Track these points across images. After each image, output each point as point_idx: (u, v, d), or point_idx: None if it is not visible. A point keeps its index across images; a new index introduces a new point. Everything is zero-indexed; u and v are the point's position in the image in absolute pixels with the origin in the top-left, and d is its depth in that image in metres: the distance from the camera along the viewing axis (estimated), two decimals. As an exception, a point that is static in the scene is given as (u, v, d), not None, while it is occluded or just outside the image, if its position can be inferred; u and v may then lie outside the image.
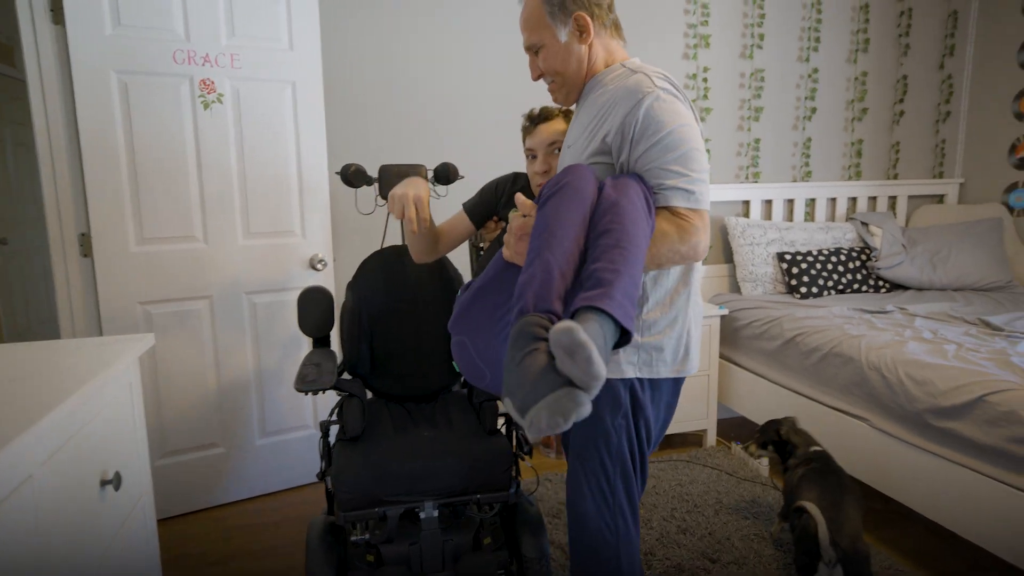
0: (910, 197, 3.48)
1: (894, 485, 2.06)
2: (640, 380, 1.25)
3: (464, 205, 1.62)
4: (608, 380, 1.22)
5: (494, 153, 2.81)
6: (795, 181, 3.31)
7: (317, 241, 2.53)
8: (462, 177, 2.10)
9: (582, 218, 1.07)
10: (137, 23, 2.11)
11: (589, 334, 0.89)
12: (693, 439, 3.03)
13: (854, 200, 3.38)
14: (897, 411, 2.03)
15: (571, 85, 1.32)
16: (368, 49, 2.60)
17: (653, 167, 1.16)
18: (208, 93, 2.24)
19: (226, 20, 2.24)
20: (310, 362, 1.73)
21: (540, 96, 2.80)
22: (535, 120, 1.52)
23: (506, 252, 1.18)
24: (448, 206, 2.72)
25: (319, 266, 2.51)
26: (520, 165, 2.86)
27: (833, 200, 3.34)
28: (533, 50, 1.32)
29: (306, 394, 1.57)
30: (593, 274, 1.00)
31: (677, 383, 1.33)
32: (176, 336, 2.32)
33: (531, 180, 1.55)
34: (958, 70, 3.45)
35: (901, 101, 3.39)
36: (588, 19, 1.26)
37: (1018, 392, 1.71)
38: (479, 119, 2.78)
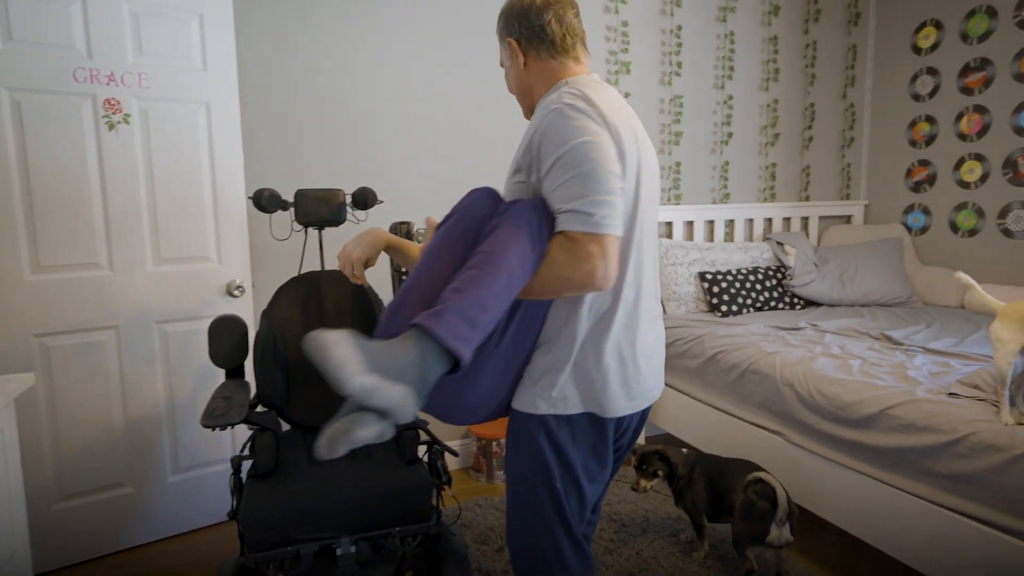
0: (821, 217, 3.68)
1: (809, 497, 2.13)
2: (555, 417, 1.19)
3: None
4: (526, 414, 1.21)
5: (420, 175, 2.80)
6: (715, 203, 3.44)
7: (234, 267, 2.43)
8: (381, 202, 2.07)
9: (462, 241, 1.07)
10: (31, 38, 1.99)
11: (392, 350, 0.90)
12: (623, 457, 3.05)
13: (770, 221, 3.54)
14: (809, 425, 2.11)
15: (526, 105, 1.34)
16: (289, 69, 2.55)
17: (554, 187, 1.10)
18: (113, 113, 2.14)
19: (133, 38, 2.15)
20: (220, 395, 1.66)
21: (466, 119, 2.83)
22: None
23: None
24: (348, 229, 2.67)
25: (236, 292, 2.41)
26: (443, 186, 2.88)
27: (751, 221, 3.48)
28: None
29: (213, 429, 1.49)
30: (440, 296, 1.00)
31: (600, 423, 1.21)
32: (78, 369, 2.18)
33: None
34: (859, 99, 3.69)
35: (810, 127, 3.59)
36: (516, 44, 1.28)
37: (914, 404, 1.81)
38: (406, 141, 2.76)
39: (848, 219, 3.76)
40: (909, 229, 3.55)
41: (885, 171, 3.65)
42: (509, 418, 1.25)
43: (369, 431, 0.87)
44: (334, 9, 2.58)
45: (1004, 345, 1.67)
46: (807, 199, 3.66)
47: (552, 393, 1.18)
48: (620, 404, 1.20)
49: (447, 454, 2.96)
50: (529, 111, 1.34)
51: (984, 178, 3.15)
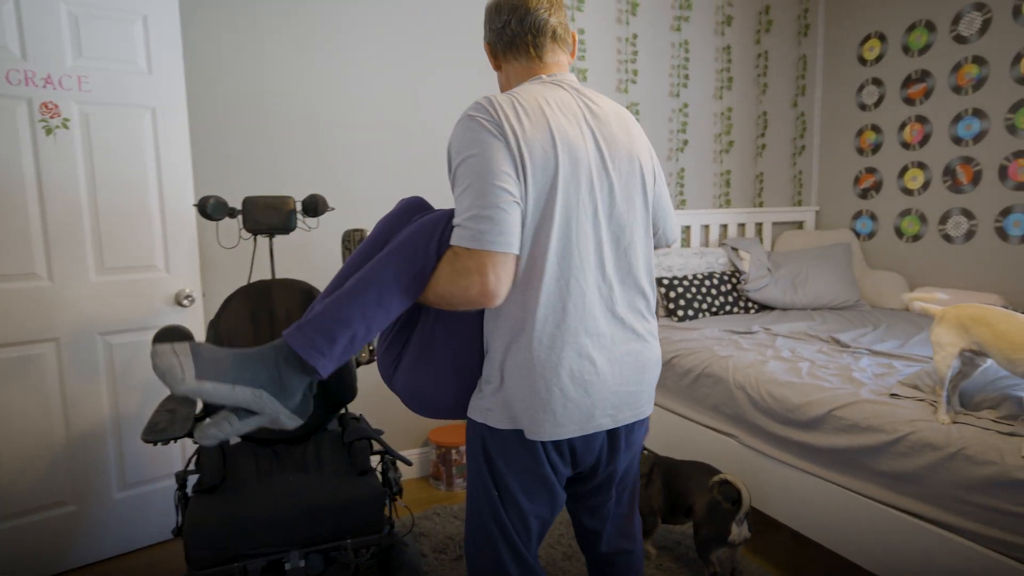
0: (774, 223, 3.77)
1: (761, 498, 2.17)
2: (488, 428, 1.18)
3: None
4: (470, 418, 1.23)
5: (378, 181, 2.77)
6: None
7: (183, 276, 2.37)
8: (332, 209, 2.05)
9: (372, 250, 1.15)
10: (-38, 40, 1.91)
11: (248, 357, 1.02)
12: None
13: (725, 226, 3.61)
14: (761, 427, 2.15)
15: None
16: (241, 72, 2.50)
17: (455, 201, 1.10)
18: (51, 118, 2.06)
19: (72, 40, 2.08)
20: (164, 408, 1.61)
21: (425, 124, 2.81)
22: None
23: None
24: (320, 238, 2.64)
25: (185, 302, 2.35)
26: (402, 192, 2.86)
27: (706, 227, 3.54)
28: None
29: (155, 444, 1.44)
30: (309, 311, 1.08)
31: (530, 444, 1.16)
32: (14, 384, 2.09)
33: None
34: (809, 108, 3.80)
35: (763, 135, 3.68)
36: (489, 48, 1.29)
37: (858, 405, 1.86)
38: (363, 146, 2.73)
39: (800, 225, 3.86)
40: (858, 234, 3.66)
41: (835, 178, 3.76)
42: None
43: (241, 425, 1.02)
44: (286, 11, 2.54)
45: (943, 348, 1.73)
46: (761, 205, 3.74)
47: (483, 403, 1.18)
48: (544, 428, 1.13)
49: (401, 464, 2.93)
50: None
51: (926, 185, 3.27)
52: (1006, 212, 2.93)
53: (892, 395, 1.87)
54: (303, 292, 1.96)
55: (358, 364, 2.04)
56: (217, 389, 0.97)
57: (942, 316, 1.77)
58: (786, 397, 2.07)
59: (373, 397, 2.87)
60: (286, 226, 1.91)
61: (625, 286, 1.19)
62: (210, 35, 2.45)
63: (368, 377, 2.85)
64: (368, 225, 2.73)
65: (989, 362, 1.74)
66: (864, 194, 3.60)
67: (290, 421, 1.04)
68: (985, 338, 1.62)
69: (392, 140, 2.78)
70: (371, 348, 2.11)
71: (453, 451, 2.81)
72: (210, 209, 1.87)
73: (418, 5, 2.76)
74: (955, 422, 1.68)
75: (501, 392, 1.15)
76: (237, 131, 2.51)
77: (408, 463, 1.71)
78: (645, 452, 2.28)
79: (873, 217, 3.56)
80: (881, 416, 1.80)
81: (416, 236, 1.08)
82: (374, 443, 1.76)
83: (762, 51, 3.60)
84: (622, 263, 1.19)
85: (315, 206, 1.95)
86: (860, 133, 3.59)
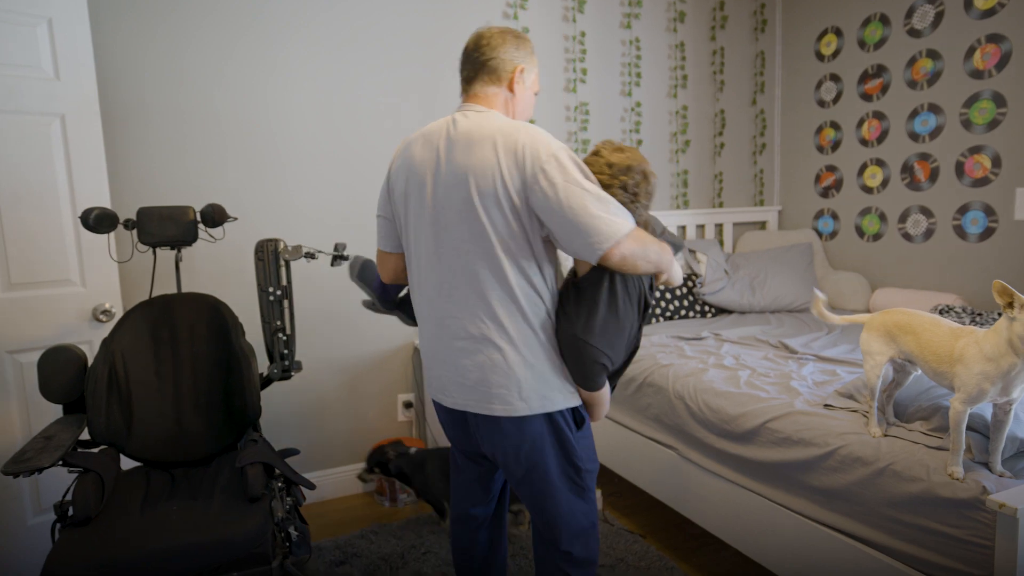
0: (735, 224, 3.68)
1: (701, 513, 2.08)
2: None
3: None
4: None
5: (303, 189, 2.67)
6: (627, 211, 3.39)
7: (100, 290, 2.26)
8: (233, 218, 1.94)
9: None
10: None
11: None
12: (534, 475, 2.97)
13: (684, 228, 3.52)
14: (699, 439, 2.05)
15: None
16: (160, 77, 2.39)
17: None
18: (-55, 126, 1.95)
19: (-35, 44, 1.97)
20: (42, 434, 1.51)
21: (351, 132, 2.68)
22: None
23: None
24: (223, 249, 2.52)
25: (103, 317, 2.24)
26: (334, 199, 2.73)
27: (664, 228, 3.45)
28: None
29: (16, 476, 1.34)
30: None
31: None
32: (-90, 408, 1.98)
33: None
34: (769, 105, 3.71)
35: (721, 134, 3.59)
36: None
37: (791, 416, 1.77)
38: (289, 153, 2.63)
39: (763, 225, 3.78)
40: (820, 234, 3.57)
41: (796, 177, 3.68)
42: None
43: None
44: (206, 9, 2.44)
45: (871, 357, 1.64)
46: (721, 205, 3.65)
47: None
48: (431, 389, 1.49)
49: (347, 479, 2.82)
50: None
51: (885, 183, 3.18)
52: (963, 210, 2.85)
53: (826, 406, 1.78)
54: (210, 307, 1.86)
55: (269, 381, 1.94)
56: None
57: (869, 323, 1.68)
58: (722, 408, 1.97)
59: (311, 410, 2.77)
60: (185, 238, 1.81)
61: (452, 295, 1.35)
62: (125, 38, 2.34)
63: (306, 388, 2.74)
64: (288, 235, 2.61)
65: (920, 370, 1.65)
66: (825, 193, 3.52)
67: None
68: (911, 347, 1.53)
69: (322, 147, 2.68)
70: (285, 364, 2.01)
71: (396, 466, 2.71)
72: (93, 221, 1.76)
73: (349, 8, 2.66)
74: (886, 435, 1.59)
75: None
76: (158, 138, 2.41)
77: (310, 486, 1.61)
78: (415, 449, 2.48)
79: (835, 216, 3.47)
80: (813, 429, 1.70)
81: None
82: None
83: (717, 48, 3.51)
84: (445, 273, 1.35)
85: (212, 216, 1.85)
86: (820, 130, 3.51)
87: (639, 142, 3.36)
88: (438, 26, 2.84)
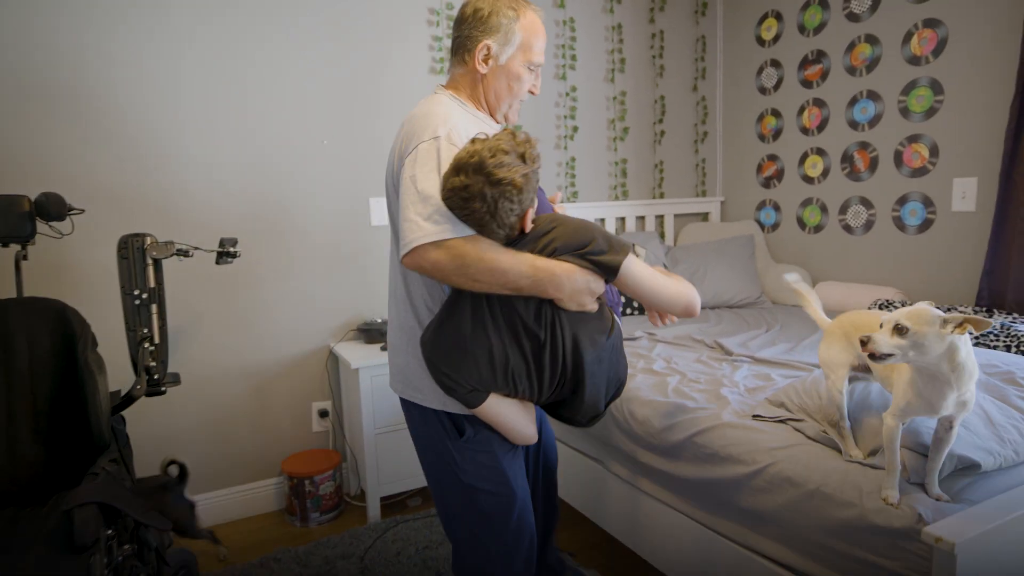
0: (676, 215, 3.53)
1: (629, 534, 1.91)
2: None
3: None
4: None
5: (185, 178, 2.40)
6: (561, 202, 3.20)
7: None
8: (79, 210, 1.67)
9: None
10: None
11: None
12: (461, 486, 2.77)
13: (623, 220, 3.35)
14: (626, 453, 1.88)
15: None
16: (39, 46, 2.08)
17: None
18: None
19: None
20: None
21: (241, 111, 2.34)
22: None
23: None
24: (87, 246, 2.23)
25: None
26: (228, 189, 2.43)
27: (601, 220, 3.28)
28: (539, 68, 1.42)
29: None
30: None
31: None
32: None
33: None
34: (711, 92, 3.57)
35: (661, 121, 3.43)
36: None
37: (718, 430, 1.61)
38: (169, 135, 2.35)
39: (705, 216, 3.65)
40: (762, 226, 3.46)
41: (739, 166, 3.55)
42: None
43: None
44: (74, -23, 2.13)
45: (833, 371, 1.47)
46: (662, 196, 3.50)
47: None
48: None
49: (259, 495, 2.57)
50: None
51: (825, 173, 3.08)
52: (902, 201, 2.75)
53: (755, 416, 1.62)
54: (55, 314, 1.59)
55: (130, 399, 1.68)
56: None
57: (827, 330, 1.53)
58: (648, 419, 1.80)
59: (213, 423, 2.50)
60: (19, 232, 1.53)
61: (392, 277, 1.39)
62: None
63: (206, 399, 2.47)
64: (156, 230, 2.31)
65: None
66: (767, 183, 3.40)
67: None
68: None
69: (213, 127, 2.40)
70: (155, 378, 1.75)
71: (307, 481, 2.47)
72: None
73: (247, -29, 2.39)
74: (871, 454, 1.39)
75: None
76: (8, 118, 2.10)
77: (164, 527, 1.37)
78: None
79: (776, 207, 3.36)
80: (740, 444, 1.54)
81: None
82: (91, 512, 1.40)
83: (656, 31, 3.34)
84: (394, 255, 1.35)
85: (47, 208, 1.57)
86: (761, 118, 3.38)
87: (575, 129, 3.17)
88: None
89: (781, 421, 1.58)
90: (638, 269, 1.30)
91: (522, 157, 1.14)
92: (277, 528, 2.51)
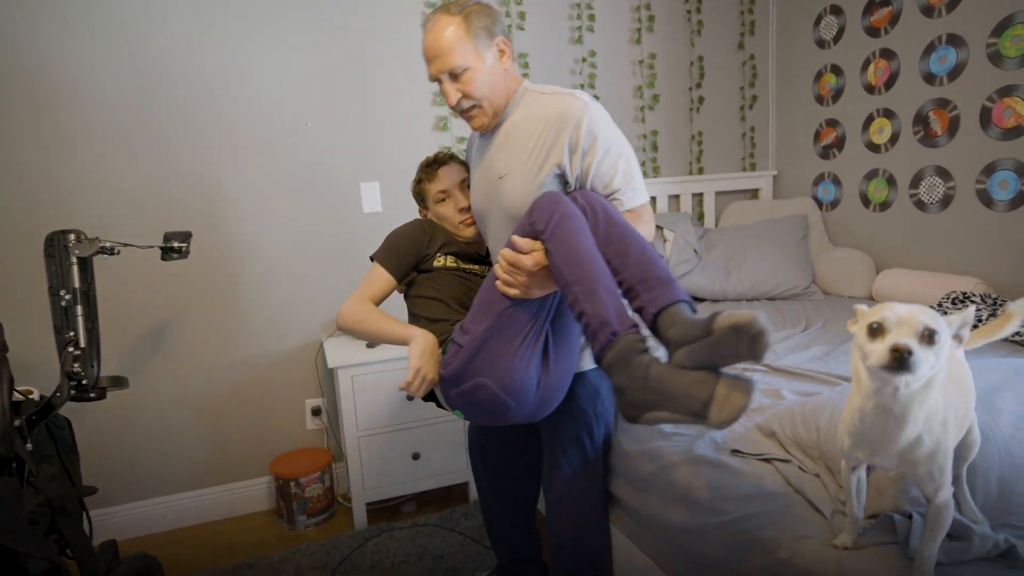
0: (718, 193, 3.11)
1: None
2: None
3: (381, 262, 1.55)
4: (584, 372, 1.45)
5: (123, 166, 2.29)
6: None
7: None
8: None
9: (592, 239, 1.18)
10: None
11: (685, 319, 1.04)
12: (457, 492, 2.57)
13: (653, 199, 2.99)
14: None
15: (496, 108, 1.39)
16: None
17: (606, 177, 1.32)
18: None
19: None
20: None
21: (195, 89, 2.21)
22: (435, 165, 1.60)
23: (511, 291, 1.23)
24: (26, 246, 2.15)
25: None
26: (173, 178, 2.20)
27: (628, 201, 2.92)
28: (453, 75, 1.33)
29: None
30: (644, 279, 1.13)
31: None
32: None
33: (450, 219, 1.60)
34: (761, 49, 3.10)
35: (699, 86, 3.01)
36: (507, 44, 1.37)
37: (688, 465, 1.30)
38: (101, 119, 2.25)
39: (755, 194, 3.20)
40: (820, 203, 2.98)
41: (795, 135, 3.07)
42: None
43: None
44: (33, -39, 2.05)
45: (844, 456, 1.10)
46: (700, 171, 3.09)
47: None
48: None
49: (246, 495, 2.49)
50: (498, 114, 1.40)
51: (894, 139, 2.57)
52: (989, 170, 2.23)
53: (733, 452, 1.29)
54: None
55: (50, 407, 1.58)
56: None
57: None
58: (621, 441, 1.51)
59: (204, 420, 2.43)
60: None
61: None
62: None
63: (196, 396, 2.40)
64: (86, 225, 2.21)
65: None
66: (825, 152, 2.91)
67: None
68: None
69: (152, 110, 2.28)
70: (83, 384, 1.65)
71: (292, 484, 2.36)
72: None
73: (216, -57, 2.23)
74: (859, 547, 1.04)
75: None
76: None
77: (44, 557, 1.25)
78: None
79: (836, 181, 2.87)
80: (713, 486, 1.23)
81: (615, 210, 1.24)
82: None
83: (692, -20, 2.92)
84: None
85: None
86: (819, 77, 2.89)
87: (595, 98, 2.82)
88: (331, -34, 2.38)
89: (765, 460, 1.24)
90: None
91: None
92: (264, 529, 2.42)
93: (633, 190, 1.33)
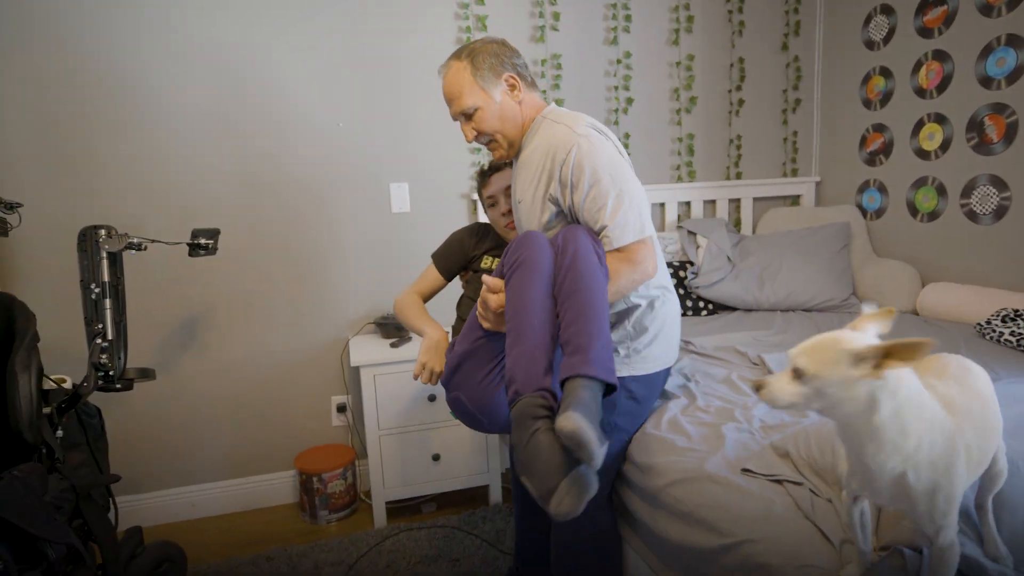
0: (756, 199, 3.01)
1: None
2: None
3: (435, 260, 1.81)
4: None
5: (165, 165, 2.35)
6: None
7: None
8: (16, 204, 1.63)
9: (545, 289, 1.19)
10: None
11: (582, 405, 1.02)
12: (478, 495, 2.56)
13: (688, 205, 2.92)
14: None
15: (512, 138, 1.46)
16: None
17: (592, 212, 1.31)
18: None
19: None
20: None
21: (238, 88, 2.27)
22: (489, 172, 1.74)
23: (484, 323, 1.29)
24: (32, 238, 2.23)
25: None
26: (209, 176, 2.29)
27: (661, 206, 2.87)
28: (466, 115, 1.43)
29: None
30: (570, 340, 1.13)
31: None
32: None
33: (496, 223, 1.75)
34: (806, 51, 2.99)
35: (739, 88, 2.92)
36: (516, 78, 1.44)
37: (697, 483, 1.25)
38: (153, 115, 2.32)
39: (795, 200, 3.08)
40: (864, 212, 2.85)
41: (840, 140, 2.95)
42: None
43: (595, 483, 1.00)
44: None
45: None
46: (739, 176, 3.00)
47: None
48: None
49: (273, 488, 2.54)
50: (516, 144, 1.47)
51: (945, 145, 2.43)
52: (1048, 180, 2.09)
53: (743, 471, 1.24)
54: (2, 308, 1.57)
55: (77, 397, 1.64)
56: (598, 439, 1.00)
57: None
58: (633, 453, 1.47)
59: (230, 413, 2.49)
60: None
61: None
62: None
63: (224, 389, 2.47)
64: (170, 221, 2.28)
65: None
66: (871, 159, 2.78)
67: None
68: None
69: (215, 117, 2.34)
70: (110, 374, 1.70)
71: (316, 479, 2.39)
72: None
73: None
74: (881, 550, 0.99)
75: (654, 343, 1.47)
76: None
77: (63, 541, 1.30)
78: None
79: (882, 189, 2.74)
80: (718, 507, 1.18)
81: (592, 251, 1.22)
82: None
83: (734, -20, 2.83)
84: None
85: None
86: (867, 80, 2.76)
87: (629, 101, 2.78)
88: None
89: (776, 480, 1.19)
90: None
91: None
92: (287, 522, 2.46)
93: (622, 227, 1.29)
